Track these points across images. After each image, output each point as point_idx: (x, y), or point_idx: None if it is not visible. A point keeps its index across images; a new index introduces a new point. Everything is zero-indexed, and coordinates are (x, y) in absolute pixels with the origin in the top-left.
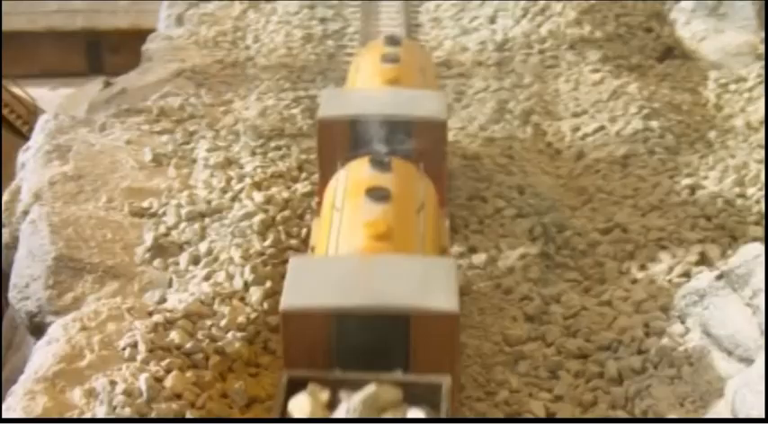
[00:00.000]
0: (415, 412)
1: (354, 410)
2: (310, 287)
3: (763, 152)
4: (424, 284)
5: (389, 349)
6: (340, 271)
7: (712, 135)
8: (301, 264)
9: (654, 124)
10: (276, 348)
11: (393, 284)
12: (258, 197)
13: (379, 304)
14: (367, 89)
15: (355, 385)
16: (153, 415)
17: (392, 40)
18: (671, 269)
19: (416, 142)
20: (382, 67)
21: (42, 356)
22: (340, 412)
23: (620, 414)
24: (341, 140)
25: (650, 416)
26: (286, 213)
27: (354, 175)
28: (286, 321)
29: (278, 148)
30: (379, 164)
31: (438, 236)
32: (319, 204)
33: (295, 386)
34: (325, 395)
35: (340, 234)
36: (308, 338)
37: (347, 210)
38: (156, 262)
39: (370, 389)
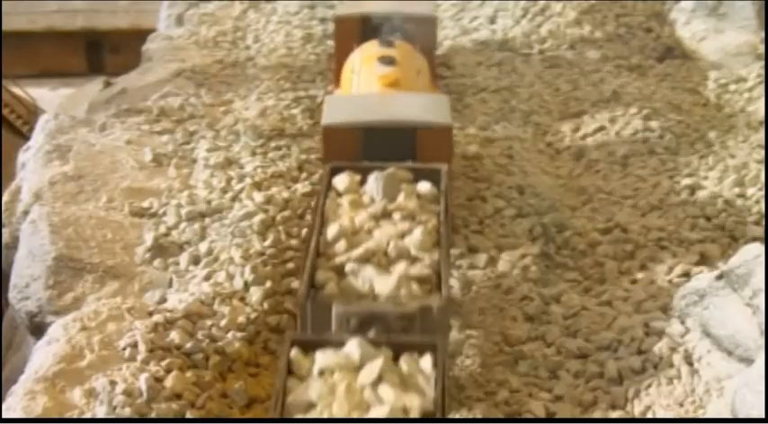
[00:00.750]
0: (424, 184)
1: (380, 179)
2: (342, 111)
3: (763, 152)
4: (426, 108)
5: (402, 151)
6: (363, 102)
7: (712, 135)
8: (334, 98)
9: (654, 124)
10: (276, 348)
11: (403, 108)
12: (258, 197)
13: (394, 120)
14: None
15: (379, 170)
16: (153, 415)
17: None
18: (671, 269)
19: (413, 32)
20: None
21: (42, 356)
22: (370, 182)
23: (620, 414)
24: (354, 32)
25: (650, 416)
26: (286, 213)
27: (367, 51)
28: (326, 133)
29: (278, 148)
30: (386, 43)
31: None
32: (337, 82)
33: (335, 172)
34: (357, 177)
35: (359, 87)
36: (342, 146)
37: (363, 72)
38: (157, 262)
39: (390, 169)
